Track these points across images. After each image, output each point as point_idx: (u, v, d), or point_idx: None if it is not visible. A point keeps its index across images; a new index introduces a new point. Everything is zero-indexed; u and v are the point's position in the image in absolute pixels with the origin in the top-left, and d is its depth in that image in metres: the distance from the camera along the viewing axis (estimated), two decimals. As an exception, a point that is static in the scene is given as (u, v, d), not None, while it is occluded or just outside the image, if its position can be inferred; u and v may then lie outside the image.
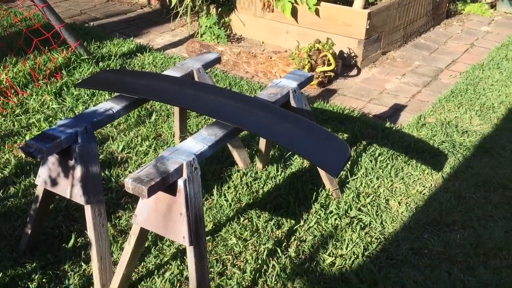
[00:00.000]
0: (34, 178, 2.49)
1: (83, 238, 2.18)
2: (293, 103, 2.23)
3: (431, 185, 2.59)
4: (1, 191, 2.41)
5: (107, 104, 2.04)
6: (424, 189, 2.56)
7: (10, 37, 3.98)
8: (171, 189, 1.65)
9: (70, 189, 1.87)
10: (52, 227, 2.22)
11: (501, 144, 2.96)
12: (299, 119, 1.90)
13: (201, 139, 1.79)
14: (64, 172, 1.87)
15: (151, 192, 1.55)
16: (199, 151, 1.72)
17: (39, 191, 1.98)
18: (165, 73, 2.35)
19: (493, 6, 5.44)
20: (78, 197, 1.85)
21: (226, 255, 2.13)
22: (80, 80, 3.44)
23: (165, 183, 1.60)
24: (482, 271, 2.08)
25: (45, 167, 1.91)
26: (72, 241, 2.14)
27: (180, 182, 1.63)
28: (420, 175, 2.66)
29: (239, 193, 2.48)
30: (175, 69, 2.37)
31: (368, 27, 3.83)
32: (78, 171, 1.83)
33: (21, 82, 3.37)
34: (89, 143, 1.85)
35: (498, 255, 2.17)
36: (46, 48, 3.71)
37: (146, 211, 1.71)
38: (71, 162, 1.84)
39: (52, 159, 1.88)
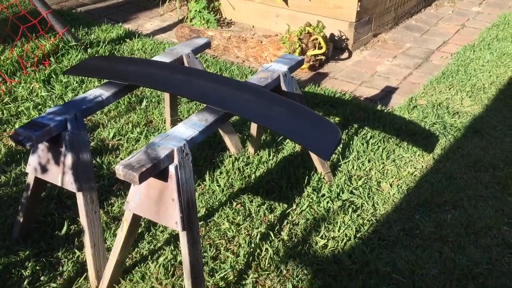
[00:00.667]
0: (25, 167, 2.48)
1: (75, 226, 2.18)
2: (283, 87, 2.22)
3: (422, 166, 2.61)
4: (-8, 180, 2.40)
5: (97, 91, 2.02)
6: (416, 170, 2.58)
7: (-3, 24, 3.93)
8: (163, 175, 1.64)
9: (61, 176, 1.86)
10: (44, 214, 2.21)
11: (492, 124, 2.98)
12: (289, 103, 1.90)
13: (192, 125, 1.79)
14: (55, 159, 1.86)
15: (142, 178, 1.55)
16: (189, 136, 1.72)
17: (30, 179, 1.97)
18: (154, 58, 2.33)
19: (483, -14, 5.42)
20: (69, 184, 1.85)
21: (219, 239, 2.14)
22: (68, 67, 3.40)
23: (156, 169, 1.59)
24: (473, 250, 2.11)
25: (35, 155, 1.90)
26: (64, 228, 2.14)
27: (171, 168, 1.63)
28: (412, 157, 2.68)
29: (231, 178, 2.48)
30: (165, 55, 2.35)
31: (359, 9, 3.81)
32: (68, 159, 1.82)
33: (9, 70, 3.33)
34: (79, 130, 1.84)
35: (488, 234, 2.19)
36: (34, 35, 3.66)
37: (138, 197, 1.71)
38: (62, 150, 1.83)
39: (42, 147, 1.87)
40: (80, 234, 2.12)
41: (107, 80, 2.10)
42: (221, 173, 2.52)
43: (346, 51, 3.96)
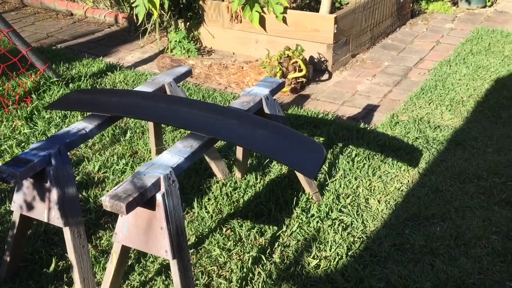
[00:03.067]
0: (9, 205, 2.45)
1: (64, 262, 2.14)
2: (266, 110, 2.25)
3: (408, 181, 2.64)
4: (-24, 220, 2.36)
5: (80, 124, 2.02)
6: (402, 185, 2.60)
7: (-23, 64, 3.92)
8: (150, 204, 1.64)
9: (47, 212, 1.84)
10: (32, 252, 2.17)
11: (473, 136, 3.03)
12: (272, 125, 1.92)
13: (177, 152, 1.79)
14: (40, 195, 1.84)
15: (129, 208, 1.54)
16: (175, 163, 1.72)
17: (15, 217, 1.94)
18: (137, 89, 2.34)
19: (455, 3, 5.59)
20: (56, 220, 1.83)
21: (211, 266, 2.12)
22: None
23: (144, 198, 1.59)
24: (464, 261, 2.12)
25: (20, 192, 1.88)
26: (53, 265, 2.10)
27: (159, 196, 1.62)
28: (397, 172, 2.70)
29: (220, 204, 2.47)
30: (147, 85, 2.37)
31: (335, 31, 3.90)
32: (54, 194, 1.80)
33: (-10, 109, 3.32)
34: (63, 165, 1.83)
35: (477, 244, 2.21)
36: (14, 73, 3.66)
37: (126, 228, 1.70)
38: (47, 185, 1.81)
39: (27, 184, 1.85)
40: (69, 270, 2.08)
41: (90, 113, 2.10)
42: (209, 199, 2.51)
43: (326, 72, 4.02)
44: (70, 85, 3.67)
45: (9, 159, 2.81)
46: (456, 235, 2.25)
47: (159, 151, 2.74)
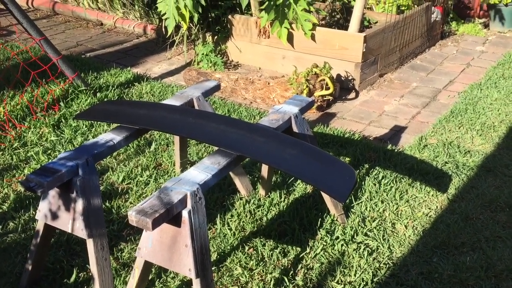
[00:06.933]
0: (33, 213, 2.45)
1: (85, 273, 2.12)
2: (295, 129, 2.21)
3: (437, 207, 2.56)
4: (0, 226, 2.36)
5: (108, 135, 2.01)
6: (430, 211, 2.53)
7: (7, 70, 3.98)
8: (176, 221, 1.61)
9: (72, 223, 1.83)
10: (53, 262, 2.16)
11: (504, 163, 2.94)
12: (303, 145, 1.88)
13: (204, 168, 1.77)
14: (65, 205, 1.83)
15: (155, 224, 1.52)
16: (202, 180, 1.70)
17: (39, 226, 1.94)
18: (165, 102, 2.33)
19: (486, 26, 5.50)
20: (79, 231, 1.82)
21: (232, 285, 2.08)
22: (78, 112, 3.42)
23: (170, 215, 1.56)
24: (495, 294, 2.03)
25: (45, 201, 1.87)
26: (74, 276, 2.09)
27: (185, 213, 1.60)
28: (425, 197, 2.63)
29: (243, 221, 2.44)
30: (175, 98, 2.36)
31: (364, 50, 3.86)
32: (79, 205, 1.79)
33: (19, 115, 3.35)
34: (90, 176, 1.82)
35: (509, 276, 2.12)
36: (44, 80, 3.71)
37: (150, 243, 1.67)
38: (72, 196, 1.81)
39: (53, 193, 1.85)
40: (90, 281, 2.06)
41: (118, 124, 2.10)
42: (232, 216, 2.48)
43: (353, 91, 3.98)
44: (98, 94, 3.70)
45: (35, 165, 2.83)
46: (486, 266, 2.17)
47: (183, 165, 2.73)
